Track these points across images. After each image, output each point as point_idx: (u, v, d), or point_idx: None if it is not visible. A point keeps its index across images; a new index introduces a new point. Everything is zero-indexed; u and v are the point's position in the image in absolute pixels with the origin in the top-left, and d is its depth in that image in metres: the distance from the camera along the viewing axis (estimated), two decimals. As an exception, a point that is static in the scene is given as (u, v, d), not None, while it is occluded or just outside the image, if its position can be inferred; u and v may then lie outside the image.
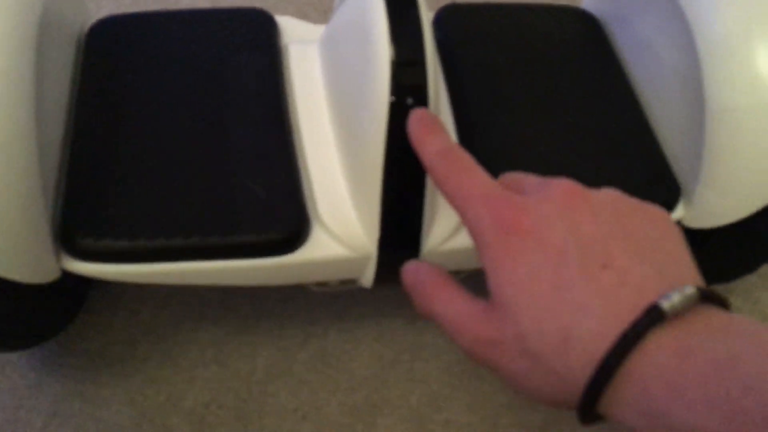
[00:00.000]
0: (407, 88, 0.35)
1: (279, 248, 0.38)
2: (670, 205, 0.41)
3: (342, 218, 0.39)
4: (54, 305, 0.43)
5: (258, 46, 0.45)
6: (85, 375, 0.48)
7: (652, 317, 0.23)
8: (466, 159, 0.30)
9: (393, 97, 0.35)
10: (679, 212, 0.42)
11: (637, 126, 0.45)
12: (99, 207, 0.38)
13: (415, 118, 0.34)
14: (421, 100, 0.35)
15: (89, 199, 0.38)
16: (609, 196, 0.28)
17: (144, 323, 0.50)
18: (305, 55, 0.46)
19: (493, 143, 0.43)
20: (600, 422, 0.25)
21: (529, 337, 0.25)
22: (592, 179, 0.29)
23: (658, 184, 0.42)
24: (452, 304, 0.28)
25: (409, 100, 0.35)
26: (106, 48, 0.44)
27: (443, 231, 0.40)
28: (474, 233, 0.28)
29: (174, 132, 0.41)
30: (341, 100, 0.41)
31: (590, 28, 0.50)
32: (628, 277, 0.24)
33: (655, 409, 0.22)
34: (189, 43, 0.45)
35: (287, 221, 0.38)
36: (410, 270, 0.30)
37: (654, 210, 0.28)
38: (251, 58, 0.44)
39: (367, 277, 0.41)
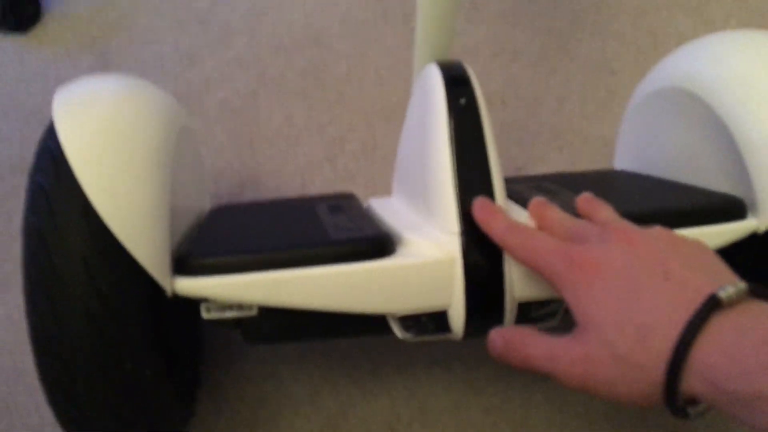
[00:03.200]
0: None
1: (371, 253, 0.41)
2: (741, 215, 0.44)
3: (423, 237, 0.43)
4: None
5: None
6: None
7: (712, 304, 0.29)
8: (528, 228, 0.38)
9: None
10: (750, 222, 0.44)
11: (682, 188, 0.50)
12: (212, 240, 0.45)
13: (478, 206, 0.40)
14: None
15: (202, 237, 0.46)
16: (657, 230, 0.35)
17: (246, 421, 0.55)
18: (383, 200, 0.55)
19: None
20: (685, 417, 0.30)
21: (615, 342, 0.31)
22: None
23: (725, 203, 0.45)
24: (544, 344, 0.34)
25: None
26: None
27: None
28: (553, 280, 0.35)
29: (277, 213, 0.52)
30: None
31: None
32: (688, 282, 0.30)
33: (719, 378, 0.27)
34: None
35: (376, 232, 0.43)
36: (496, 335, 0.36)
37: (695, 239, 0.35)
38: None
39: (457, 313, 0.41)
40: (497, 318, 0.41)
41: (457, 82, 0.44)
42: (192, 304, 0.43)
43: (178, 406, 0.46)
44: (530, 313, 0.43)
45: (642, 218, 0.39)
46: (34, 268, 0.38)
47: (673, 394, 0.29)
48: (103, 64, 0.84)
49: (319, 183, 0.73)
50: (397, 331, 0.44)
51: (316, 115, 0.79)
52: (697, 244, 0.35)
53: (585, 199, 0.42)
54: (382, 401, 0.56)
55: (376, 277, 0.41)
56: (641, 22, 0.87)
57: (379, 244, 0.42)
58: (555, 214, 0.40)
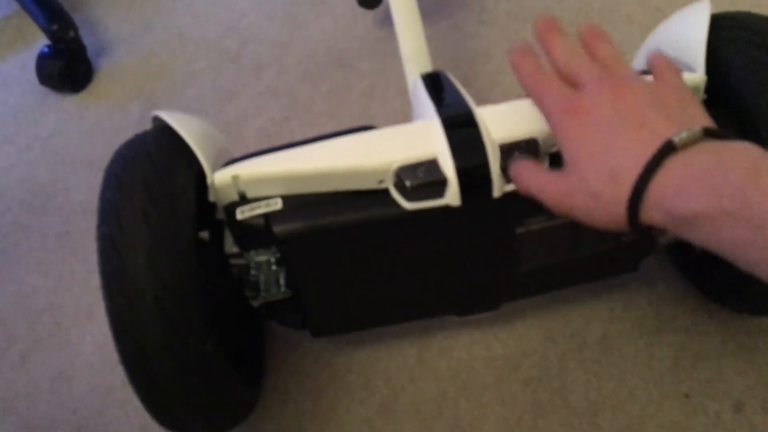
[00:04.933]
0: None
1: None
2: None
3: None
4: None
5: None
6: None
7: (667, 148, 0.35)
8: (541, 73, 0.44)
9: None
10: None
11: None
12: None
13: (515, 51, 0.46)
14: None
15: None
16: (645, 83, 0.41)
17: (308, 411, 0.62)
18: None
19: None
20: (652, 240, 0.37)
21: (591, 181, 0.38)
22: None
23: None
24: (538, 177, 0.42)
25: None
26: None
27: None
28: (547, 116, 0.43)
29: None
30: None
31: None
32: (657, 130, 0.36)
33: (668, 206, 0.34)
34: None
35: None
36: (512, 165, 0.45)
37: (676, 83, 0.41)
38: None
39: (445, 160, 0.48)
40: (482, 160, 0.48)
41: (439, 89, 0.55)
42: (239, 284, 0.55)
43: (243, 388, 0.53)
44: (513, 156, 0.49)
45: None
46: (108, 268, 0.45)
47: (635, 222, 0.36)
48: (151, 110, 0.93)
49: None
50: (400, 198, 0.49)
51: (345, 131, 0.85)
52: (678, 91, 0.40)
53: (589, 32, 0.46)
54: (429, 383, 0.61)
55: (370, 139, 0.51)
56: (648, 2, 0.90)
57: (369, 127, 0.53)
58: (560, 45, 0.45)
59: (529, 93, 0.45)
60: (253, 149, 0.85)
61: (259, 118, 0.89)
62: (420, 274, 0.56)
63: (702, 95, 0.52)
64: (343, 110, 0.87)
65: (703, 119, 0.38)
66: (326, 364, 0.63)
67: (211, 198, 0.51)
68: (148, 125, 0.57)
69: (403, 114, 0.84)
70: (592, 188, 0.38)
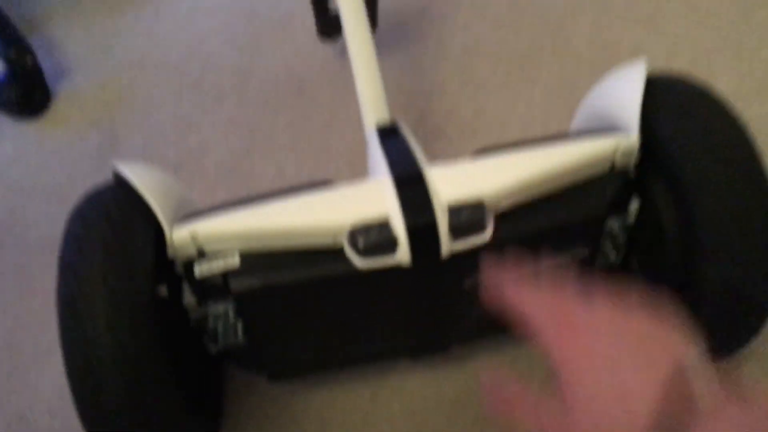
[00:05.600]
0: None
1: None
2: None
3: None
4: None
5: None
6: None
7: None
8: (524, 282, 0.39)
9: None
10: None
11: None
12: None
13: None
14: None
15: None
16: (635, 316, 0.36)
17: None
18: None
19: None
20: None
21: (593, 413, 0.32)
22: None
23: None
24: (529, 404, 0.36)
25: None
26: None
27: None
28: (538, 332, 0.36)
29: None
30: None
31: None
32: (654, 343, 0.33)
33: None
34: None
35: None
36: (486, 382, 0.38)
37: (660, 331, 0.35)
38: None
39: (396, 221, 0.51)
40: (430, 220, 0.50)
41: (393, 144, 0.58)
42: (199, 334, 0.56)
43: (197, 424, 0.56)
44: (460, 217, 0.51)
45: None
46: (68, 333, 0.47)
47: None
48: (111, 137, 0.93)
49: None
50: (354, 256, 0.51)
51: (305, 165, 0.87)
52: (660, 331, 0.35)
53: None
54: (382, 425, 0.64)
55: (326, 199, 0.54)
56: (596, 41, 0.94)
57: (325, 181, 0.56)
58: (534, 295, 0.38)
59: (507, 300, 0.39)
60: (213, 182, 0.86)
61: (219, 150, 0.90)
62: (372, 322, 0.59)
63: (636, 156, 0.55)
64: (304, 143, 0.89)
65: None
66: (284, 406, 0.65)
67: (170, 253, 0.53)
68: (107, 153, 0.58)
69: (361, 149, 0.86)
70: (595, 420, 0.33)
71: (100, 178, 0.56)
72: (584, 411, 0.33)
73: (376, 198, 0.52)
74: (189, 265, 0.54)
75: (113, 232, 0.50)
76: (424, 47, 0.97)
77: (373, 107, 0.68)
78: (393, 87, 0.87)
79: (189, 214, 0.55)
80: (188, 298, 0.56)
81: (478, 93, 0.90)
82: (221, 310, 0.57)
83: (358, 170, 0.85)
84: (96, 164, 0.89)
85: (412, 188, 0.52)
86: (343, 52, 0.96)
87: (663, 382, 0.31)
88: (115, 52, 1.05)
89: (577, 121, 0.67)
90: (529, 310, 0.37)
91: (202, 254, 0.54)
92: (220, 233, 0.53)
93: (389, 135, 0.61)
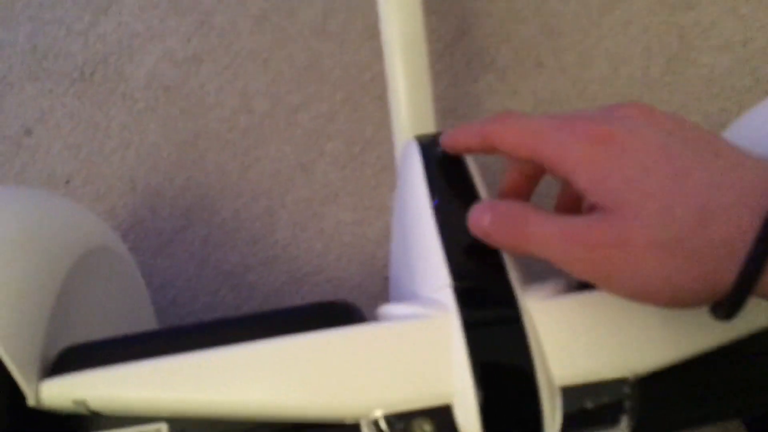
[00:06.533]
0: None
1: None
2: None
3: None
4: None
5: None
6: None
7: None
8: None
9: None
10: None
11: None
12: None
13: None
14: None
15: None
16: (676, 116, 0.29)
17: None
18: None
19: None
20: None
21: (660, 227, 0.25)
22: None
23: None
24: (552, 222, 0.27)
25: None
26: None
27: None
28: (558, 162, 0.27)
29: None
30: None
31: None
32: (742, 162, 0.26)
33: None
34: None
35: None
36: (483, 208, 0.29)
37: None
38: None
39: (465, 410, 0.28)
40: (531, 414, 0.28)
41: (442, 163, 0.35)
42: None
43: None
44: (584, 402, 0.29)
45: None
46: None
47: (743, 297, 0.24)
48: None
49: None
50: None
51: (281, 93, 0.63)
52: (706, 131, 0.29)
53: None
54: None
55: (334, 350, 0.29)
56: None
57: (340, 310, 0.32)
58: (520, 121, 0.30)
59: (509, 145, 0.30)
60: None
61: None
62: None
63: None
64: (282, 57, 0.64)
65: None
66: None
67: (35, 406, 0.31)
68: None
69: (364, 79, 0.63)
70: (659, 235, 0.25)
71: None
72: (635, 225, 0.25)
73: (428, 354, 0.29)
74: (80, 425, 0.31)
75: None
76: None
77: (412, 110, 0.48)
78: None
79: (68, 351, 0.33)
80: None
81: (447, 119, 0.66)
82: None
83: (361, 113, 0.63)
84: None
85: (497, 340, 0.29)
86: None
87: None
88: None
89: (733, 135, 0.45)
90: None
91: (98, 414, 0.31)
92: (132, 399, 0.30)
93: (440, 168, 0.36)
